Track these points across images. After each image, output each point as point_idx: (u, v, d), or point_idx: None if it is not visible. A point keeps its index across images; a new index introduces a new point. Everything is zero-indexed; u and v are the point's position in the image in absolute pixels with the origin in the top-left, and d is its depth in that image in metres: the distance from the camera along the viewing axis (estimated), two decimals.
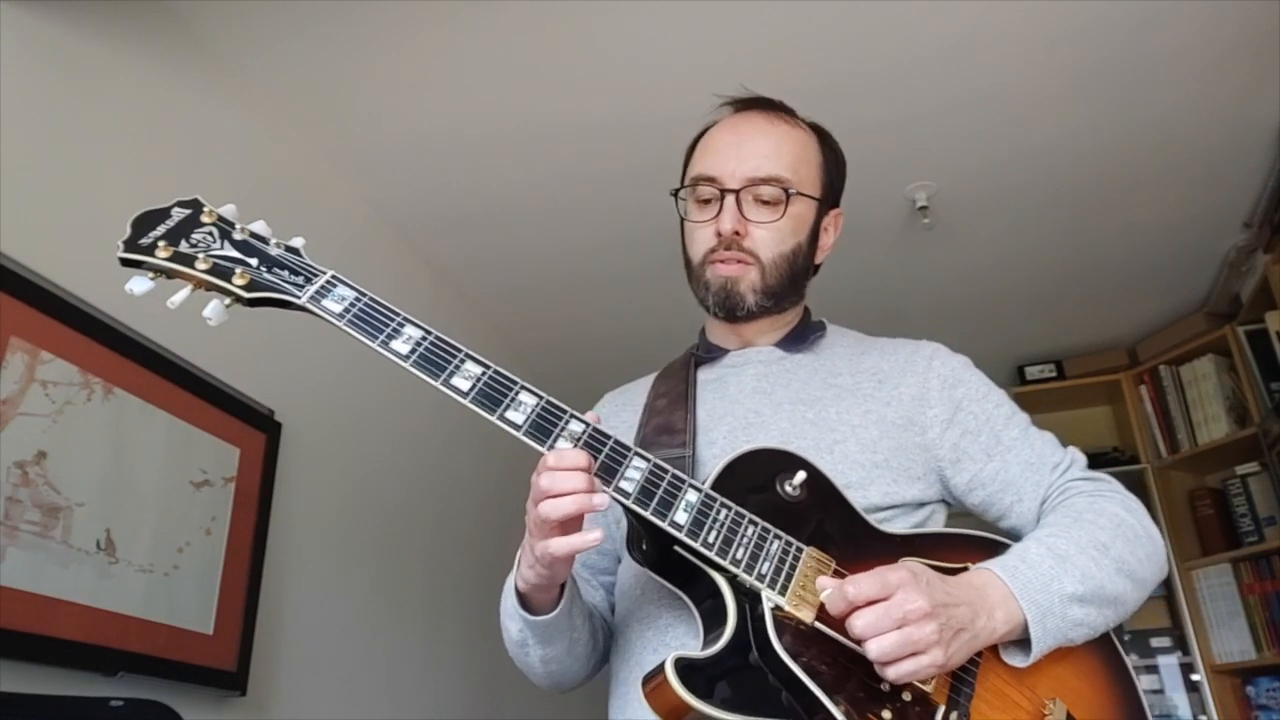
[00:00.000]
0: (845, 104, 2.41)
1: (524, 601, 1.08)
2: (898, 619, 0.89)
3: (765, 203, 1.19)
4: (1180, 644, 3.42)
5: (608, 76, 2.32)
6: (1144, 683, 3.45)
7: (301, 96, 2.33)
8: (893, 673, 0.90)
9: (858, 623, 0.90)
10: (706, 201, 1.21)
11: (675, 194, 1.25)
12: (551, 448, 0.95)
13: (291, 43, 2.16)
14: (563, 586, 1.07)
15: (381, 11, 2.08)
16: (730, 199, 1.18)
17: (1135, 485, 3.52)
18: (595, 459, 0.95)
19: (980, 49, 2.27)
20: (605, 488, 0.94)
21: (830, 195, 1.27)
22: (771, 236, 1.19)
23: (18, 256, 1.59)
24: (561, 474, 0.92)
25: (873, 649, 0.89)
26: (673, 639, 1.07)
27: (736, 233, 1.17)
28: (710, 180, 1.20)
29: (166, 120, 2.04)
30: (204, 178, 2.10)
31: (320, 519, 2.36)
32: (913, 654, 0.89)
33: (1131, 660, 3.74)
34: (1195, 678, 3.34)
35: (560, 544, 0.94)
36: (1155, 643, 3.48)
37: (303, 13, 2.08)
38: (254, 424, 2.10)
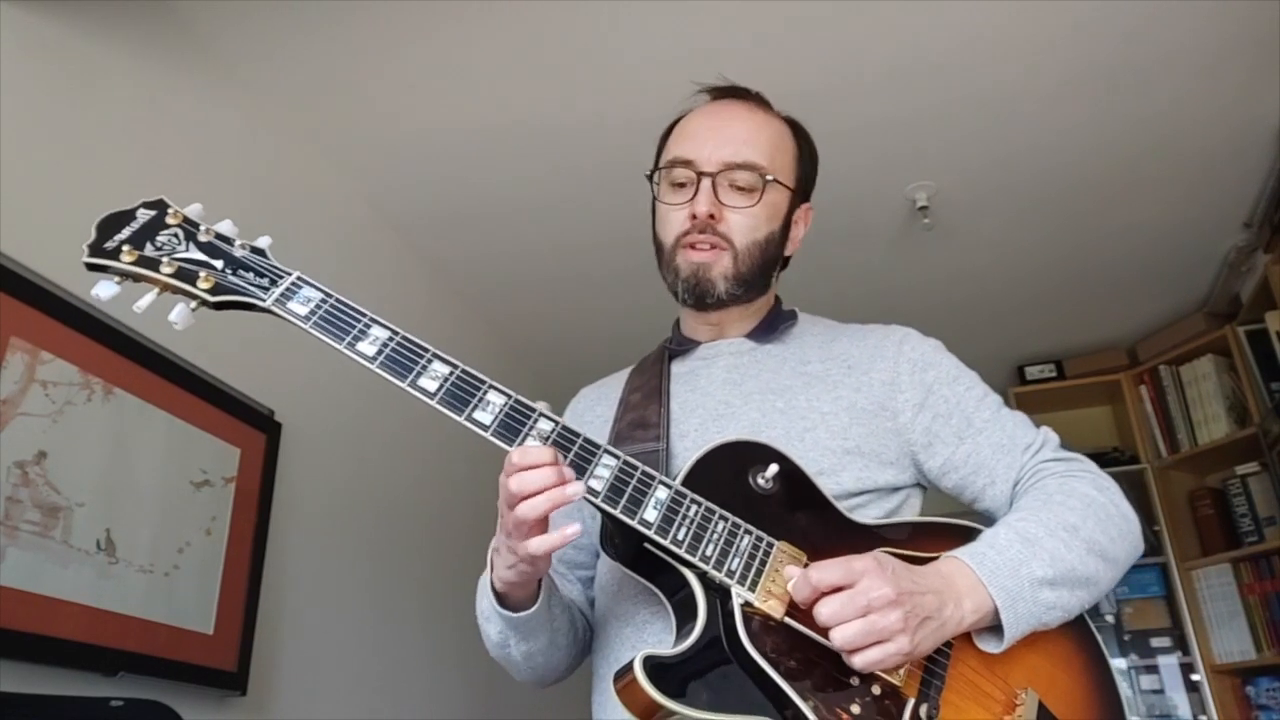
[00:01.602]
0: (845, 104, 2.41)
1: (501, 600, 1.09)
2: (862, 606, 0.89)
3: (741, 188, 1.18)
4: (1180, 644, 3.42)
5: (608, 75, 2.32)
6: (1144, 683, 3.45)
7: (302, 96, 2.34)
8: (858, 660, 0.90)
9: (823, 610, 0.90)
10: (681, 185, 1.20)
11: (650, 176, 1.25)
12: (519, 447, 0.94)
13: (292, 43, 2.17)
14: (539, 581, 1.07)
15: (381, 12, 2.09)
16: (706, 182, 1.16)
17: (1135, 485, 3.52)
18: (564, 458, 0.95)
19: (980, 49, 2.27)
20: (577, 480, 0.94)
21: (803, 188, 1.27)
22: (746, 222, 1.18)
23: (18, 256, 1.59)
24: (530, 473, 0.92)
25: (837, 637, 0.89)
26: (651, 635, 1.07)
27: (711, 216, 1.16)
28: (686, 163, 1.19)
29: (166, 120, 2.04)
30: (204, 178, 2.11)
31: (320, 519, 2.37)
32: (878, 642, 0.90)
33: (1131, 660, 3.72)
34: (1195, 678, 3.34)
35: (539, 543, 0.94)
36: (1155, 643, 3.47)
37: (303, 13, 2.08)
38: (254, 424, 2.10)
